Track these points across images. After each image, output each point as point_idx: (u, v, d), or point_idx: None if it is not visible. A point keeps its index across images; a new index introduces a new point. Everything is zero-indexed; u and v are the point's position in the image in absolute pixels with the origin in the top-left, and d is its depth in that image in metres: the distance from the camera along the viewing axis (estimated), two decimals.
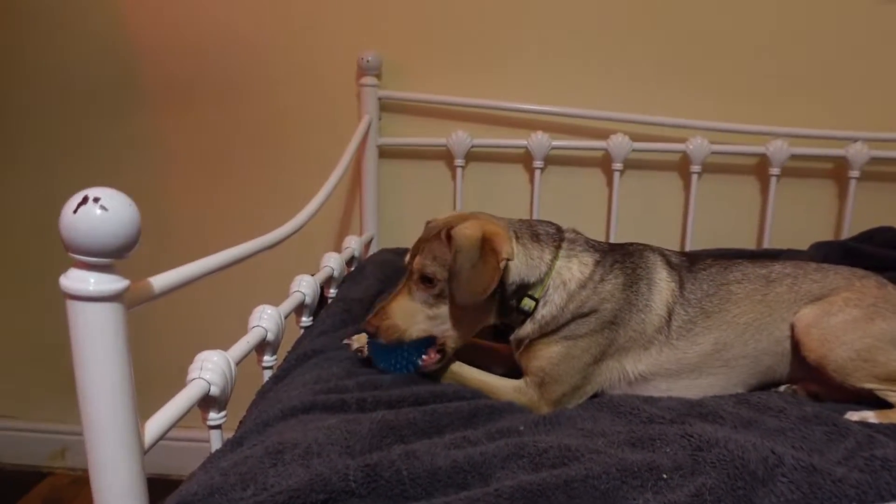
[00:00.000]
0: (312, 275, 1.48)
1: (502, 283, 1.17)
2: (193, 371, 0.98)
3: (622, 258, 1.28)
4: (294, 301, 1.37)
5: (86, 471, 0.77)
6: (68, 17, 2.16)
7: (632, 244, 1.35)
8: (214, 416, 1.01)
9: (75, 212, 0.68)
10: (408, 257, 1.23)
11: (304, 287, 1.41)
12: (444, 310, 1.17)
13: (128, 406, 0.75)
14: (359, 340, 1.31)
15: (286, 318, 1.27)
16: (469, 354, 1.27)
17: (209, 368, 0.98)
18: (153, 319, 2.18)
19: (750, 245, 2.17)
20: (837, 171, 2.14)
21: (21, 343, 2.42)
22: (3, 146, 2.27)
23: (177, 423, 0.89)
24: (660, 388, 1.24)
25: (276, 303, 1.27)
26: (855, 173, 2.07)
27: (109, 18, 2.16)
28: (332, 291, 1.63)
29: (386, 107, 2.16)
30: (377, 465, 0.81)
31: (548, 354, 1.20)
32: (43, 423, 2.41)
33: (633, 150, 2.08)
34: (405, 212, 2.22)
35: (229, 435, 1.01)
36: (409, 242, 2.07)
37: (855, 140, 2.05)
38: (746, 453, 0.84)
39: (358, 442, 0.90)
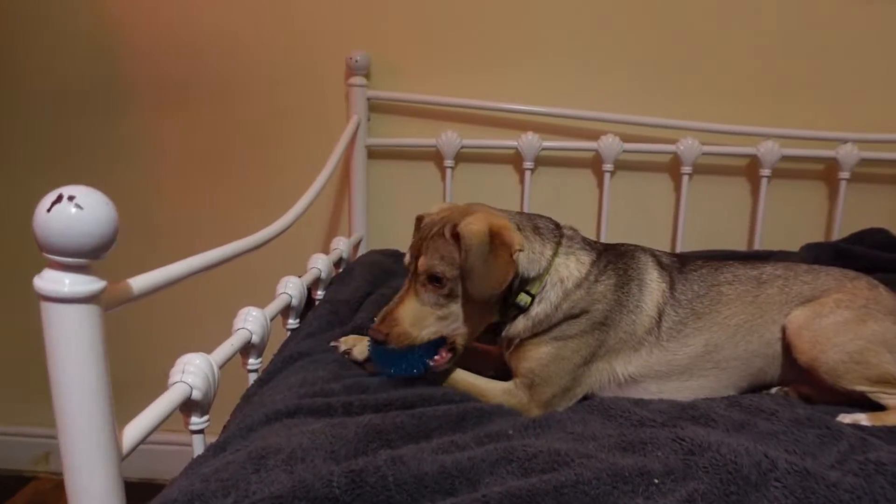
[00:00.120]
0: (300, 276, 1.46)
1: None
2: (175, 374, 0.96)
3: (615, 259, 1.27)
4: (280, 303, 1.35)
5: None
6: (58, 16, 2.13)
7: (623, 245, 1.34)
8: (197, 421, 0.99)
9: (49, 210, 0.66)
10: (407, 258, 1.19)
11: (291, 289, 1.39)
12: (454, 309, 1.14)
13: (104, 410, 0.73)
14: (346, 342, 1.29)
15: (272, 320, 1.25)
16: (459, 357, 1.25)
17: (191, 371, 0.96)
18: (138, 322, 2.16)
19: (741, 246, 2.16)
20: (828, 172, 2.14)
21: (3, 346, 2.39)
22: None
23: (157, 428, 0.87)
24: (650, 390, 1.23)
25: (263, 305, 1.25)
26: (845, 175, 2.07)
27: (99, 18, 2.13)
28: (320, 293, 1.61)
29: (375, 107, 2.14)
30: (362, 470, 0.79)
31: (537, 355, 1.18)
32: (27, 426, 2.37)
33: (624, 151, 2.07)
34: (394, 213, 2.20)
35: (214, 439, 0.98)
36: (398, 244, 2.09)
37: (845, 141, 2.05)
38: (739, 458, 0.83)
39: (343, 447, 0.88)
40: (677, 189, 2.14)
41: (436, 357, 1.15)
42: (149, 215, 2.24)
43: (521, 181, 2.13)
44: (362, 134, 2.09)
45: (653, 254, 1.33)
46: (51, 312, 0.69)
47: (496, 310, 1.20)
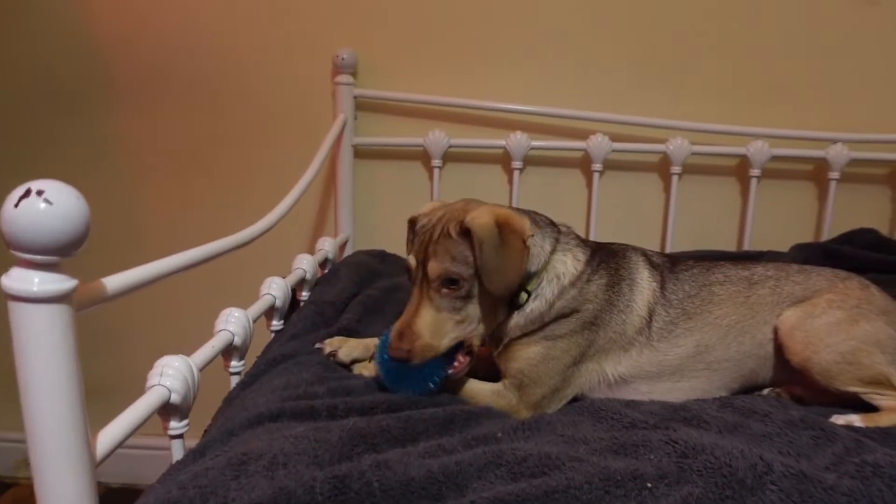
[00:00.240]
0: (284, 277, 1.43)
1: None
2: (153, 377, 0.93)
3: (606, 258, 1.25)
4: (264, 304, 1.32)
5: None
6: (33, 10, 2.09)
7: (614, 244, 1.32)
8: (176, 425, 0.96)
9: (17, 206, 0.63)
10: (411, 264, 1.11)
11: (275, 289, 1.36)
12: (470, 310, 1.09)
13: (76, 415, 0.70)
14: (332, 344, 1.28)
15: (255, 321, 1.22)
16: None
17: (170, 374, 0.93)
18: (118, 323, 2.13)
19: (730, 247, 2.15)
20: (818, 172, 2.14)
21: None
22: None
23: (134, 433, 0.84)
24: (640, 391, 1.21)
25: (247, 306, 1.23)
26: (835, 175, 2.06)
27: (76, 13, 2.10)
28: (305, 294, 1.59)
29: (362, 106, 2.12)
30: (346, 476, 0.77)
31: (527, 355, 1.16)
32: (4, 431, 2.32)
33: (613, 151, 2.06)
34: (381, 213, 2.18)
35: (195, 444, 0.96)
36: (385, 244, 2.06)
37: (835, 142, 2.05)
38: (734, 460, 0.81)
39: (327, 451, 0.85)
40: (667, 189, 2.13)
41: (454, 364, 1.11)
42: (132, 215, 2.20)
43: (510, 181, 2.12)
44: (349, 133, 2.06)
45: (643, 253, 1.31)
46: (19, 312, 0.66)
47: (505, 304, 1.16)
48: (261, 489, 0.75)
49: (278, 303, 1.37)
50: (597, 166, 2.07)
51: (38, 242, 0.64)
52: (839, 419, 1.10)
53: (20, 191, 0.64)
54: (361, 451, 0.87)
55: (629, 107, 2.07)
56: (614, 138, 2.05)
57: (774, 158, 2.05)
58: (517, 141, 2.05)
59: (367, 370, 1.22)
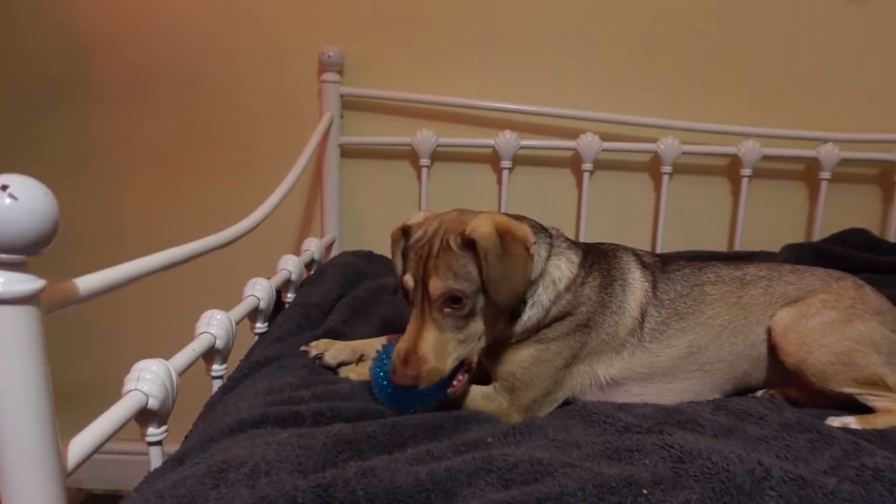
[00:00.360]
0: (269, 278, 1.40)
1: None
2: (130, 382, 0.90)
3: (598, 258, 1.23)
4: (247, 306, 1.29)
5: None
6: (13, 7, 2.05)
7: (604, 244, 1.30)
8: (154, 432, 0.92)
9: None
10: (408, 284, 1.05)
11: (259, 291, 1.33)
12: (473, 327, 1.05)
13: (44, 421, 0.66)
14: (318, 347, 1.25)
15: (238, 323, 1.19)
16: None
17: (147, 379, 0.89)
18: (97, 325, 2.08)
19: (721, 247, 2.15)
20: (809, 172, 2.13)
21: None
22: None
23: (109, 440, 0.81)
24: (632, 393, 1.19)
25: (231, 308, 1.20)
26: (826, 175, 2.06)
27: (59, 10, 2.06)
28: (290, 296, 1.55)
29: (348, 104, 2.09)
30: (330, 485, 0.74)
31: (518, 358, 1.14)
32: None
33: (604, 150, 2.04)
34: (368, 213, 2.15)
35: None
36: (372, 245, 2.03)
37: (826, 141, 2.04)
38: (732, 465, 0.79)
39: (310, 459, 0.82)
40: (657, 189, 2.11)
41: (454, 382, 1.07)
42: (116, 215, 2.17)
43: (499, 181, 2.10)
44: (335, 132, 2.04)
45: (634, 253, 1.30)
46: None
47: (507, 316, 1.13)
48: (241, 499, 0.73)
49: (262, 304, 1.34)
50: (587, 166, 2.05)
51: (3, 240, 0.61)
52: (835, 421, 1.08)
53: None
54: (346, 458, 0.84)
55: (620, 106, 2.06)
56: (605, 138, 2.03)
57: (766, 158, 2.04)
58: (506, 140, 2.02)
59: (355, 374, 1.19)
